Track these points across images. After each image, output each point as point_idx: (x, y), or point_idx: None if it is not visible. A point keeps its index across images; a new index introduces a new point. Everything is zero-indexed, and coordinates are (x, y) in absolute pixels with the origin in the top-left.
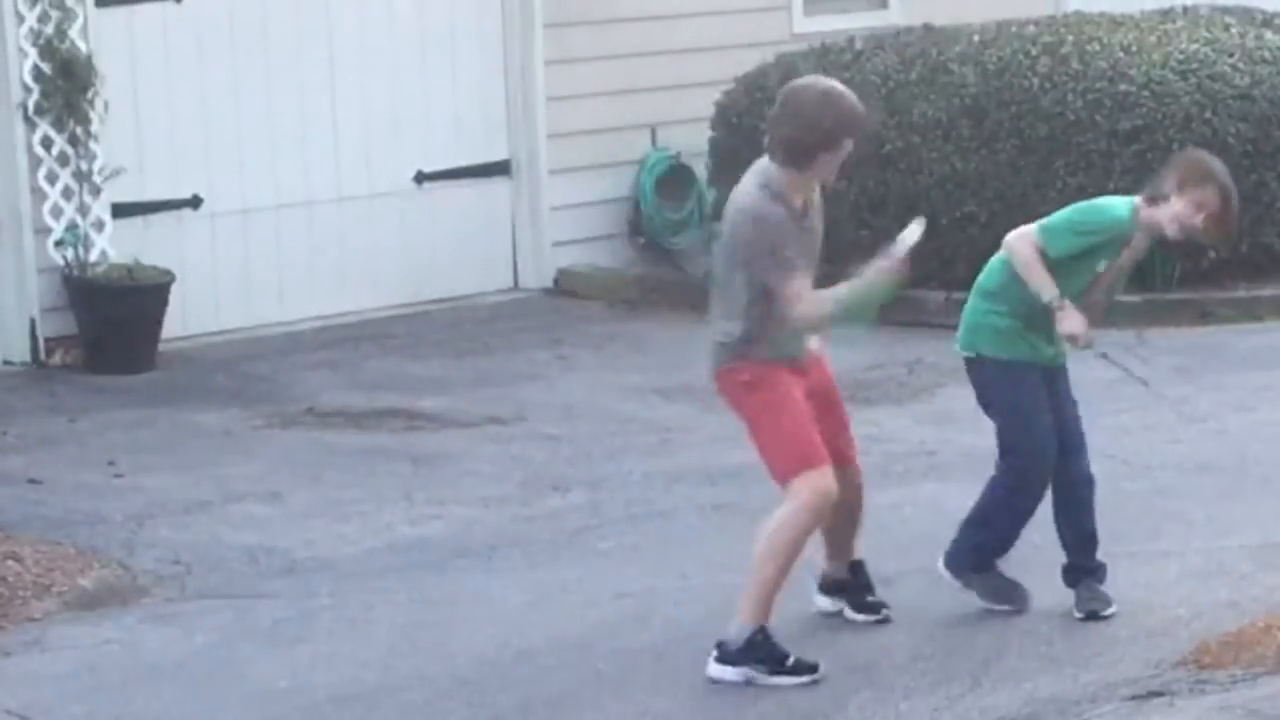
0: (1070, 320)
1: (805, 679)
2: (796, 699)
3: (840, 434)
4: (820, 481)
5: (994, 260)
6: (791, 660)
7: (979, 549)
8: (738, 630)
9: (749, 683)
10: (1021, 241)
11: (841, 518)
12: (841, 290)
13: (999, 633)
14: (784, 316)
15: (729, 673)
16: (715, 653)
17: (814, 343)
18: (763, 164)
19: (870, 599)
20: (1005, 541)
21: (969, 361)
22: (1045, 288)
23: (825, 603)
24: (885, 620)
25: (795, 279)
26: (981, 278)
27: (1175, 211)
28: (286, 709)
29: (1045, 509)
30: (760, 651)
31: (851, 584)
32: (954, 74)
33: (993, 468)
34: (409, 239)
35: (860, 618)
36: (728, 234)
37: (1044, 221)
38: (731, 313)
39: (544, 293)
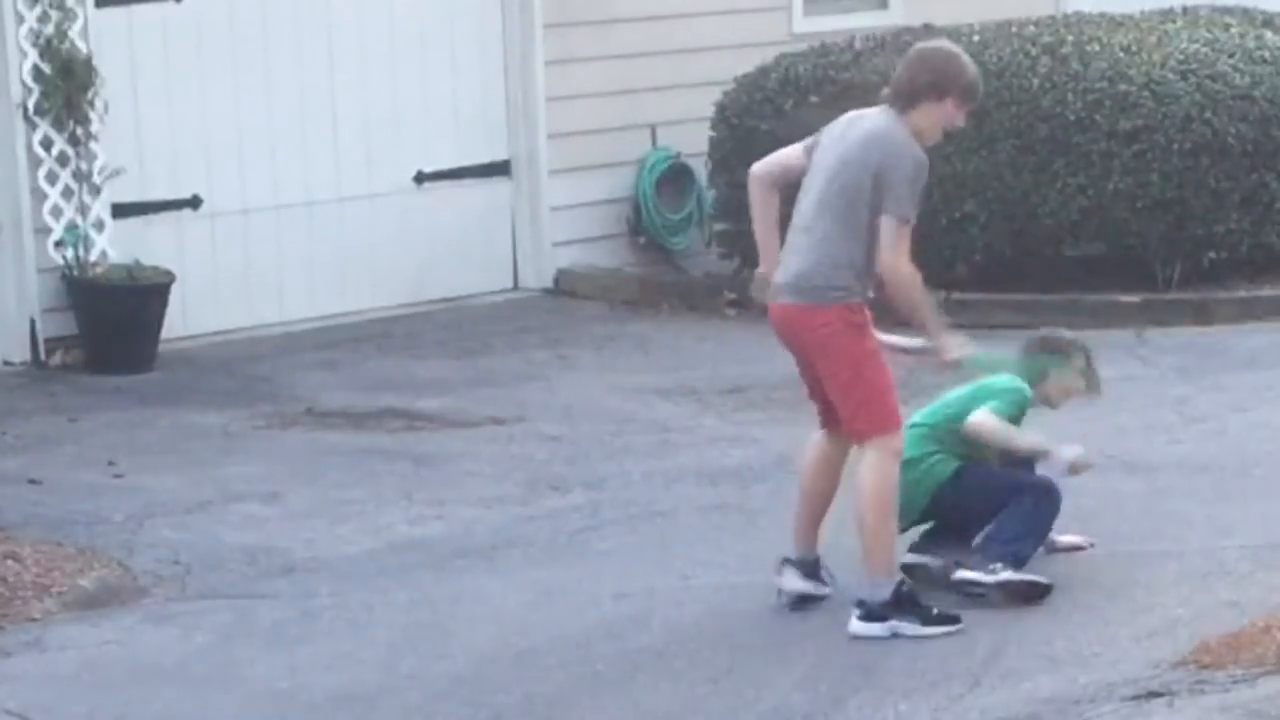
0: (1076, 453)
1: (952, 628)
2: (797, 699)
3: None
4: (900, 441)
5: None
6: (936, 612)
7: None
8: (874, 587)
9: (894, 635)
10: (990, 421)
11: (825, 483)
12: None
13: (999, 633)
14: (888, 261)
15: (874, 629)
16: (857, 611)
17: None
18: (889, 115)
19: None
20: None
21: (942, 491)
22: (1038, 443)
23: (807, 586)
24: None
25: (906, 238)
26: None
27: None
28: (286, 709)
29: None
30: (906, 603)
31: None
32: None
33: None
34: (409, 239)
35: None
36: (873, 164)
37: (993, 405)
38: (846, 249)
39: (544, 293)
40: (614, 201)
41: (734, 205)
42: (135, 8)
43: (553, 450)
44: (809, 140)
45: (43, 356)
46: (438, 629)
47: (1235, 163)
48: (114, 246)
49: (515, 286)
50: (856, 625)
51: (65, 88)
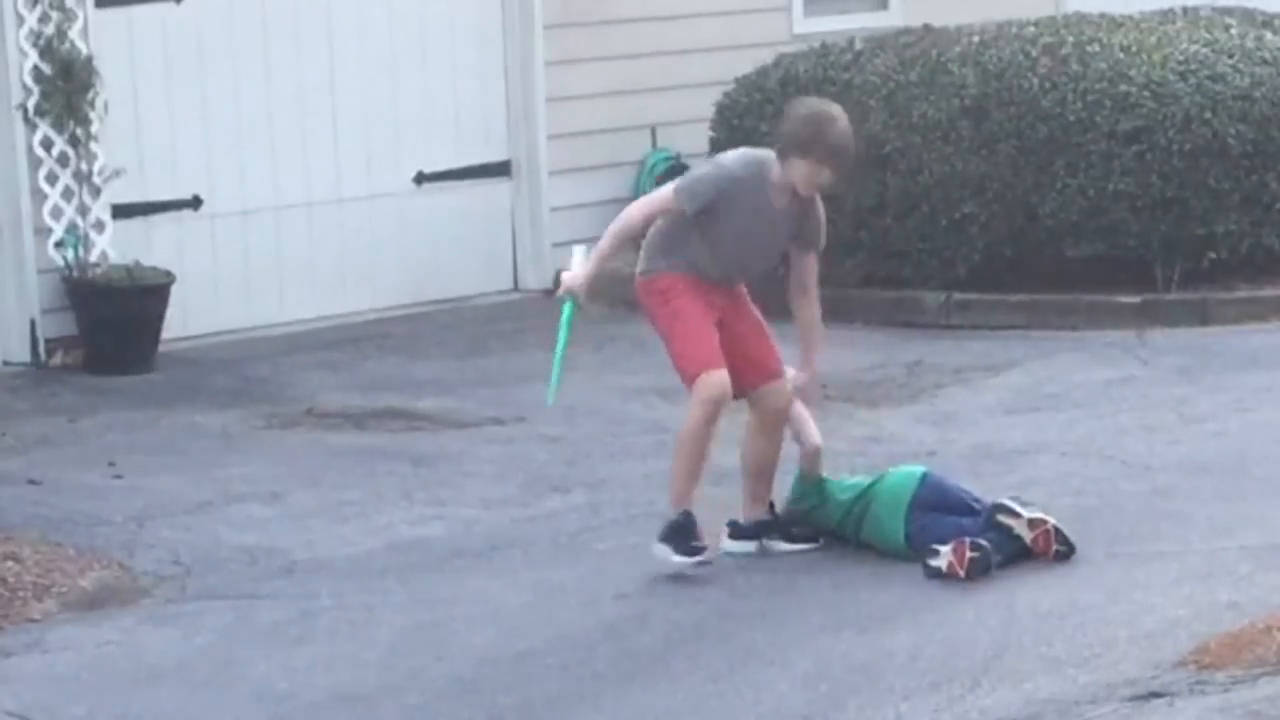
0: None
1: (692, 559)
2: (797, 699)
3: (762, 351)
4: (712, 377)
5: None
6: (694, 544)
7: None
8: (666, 514)
9: (665, 559)
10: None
11: (763, 447)
12: (600, 255)
13: (999, 633)
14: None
15: (658, 549)
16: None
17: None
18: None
19: (797, 530)
20: None
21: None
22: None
23: (736, 546)
24: (819, 545)
25: (659, 203)
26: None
27: None
28: (286, 709)
29: None
30: (672, 532)
31: (773, 522)
32: (954, 75)
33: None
34: (409, 239)
35: (795, 547)
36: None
37: None
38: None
39: (544, 293)
40: (614, 202)
41: None
42: (135, 8)
43: (553, 451)
44: None
45: (43, 357)
46: (437, 629)
47: (1235, 163)
48: (114, 247)
49: (515, 287)
50: (654, 547)
51: (65, 88)
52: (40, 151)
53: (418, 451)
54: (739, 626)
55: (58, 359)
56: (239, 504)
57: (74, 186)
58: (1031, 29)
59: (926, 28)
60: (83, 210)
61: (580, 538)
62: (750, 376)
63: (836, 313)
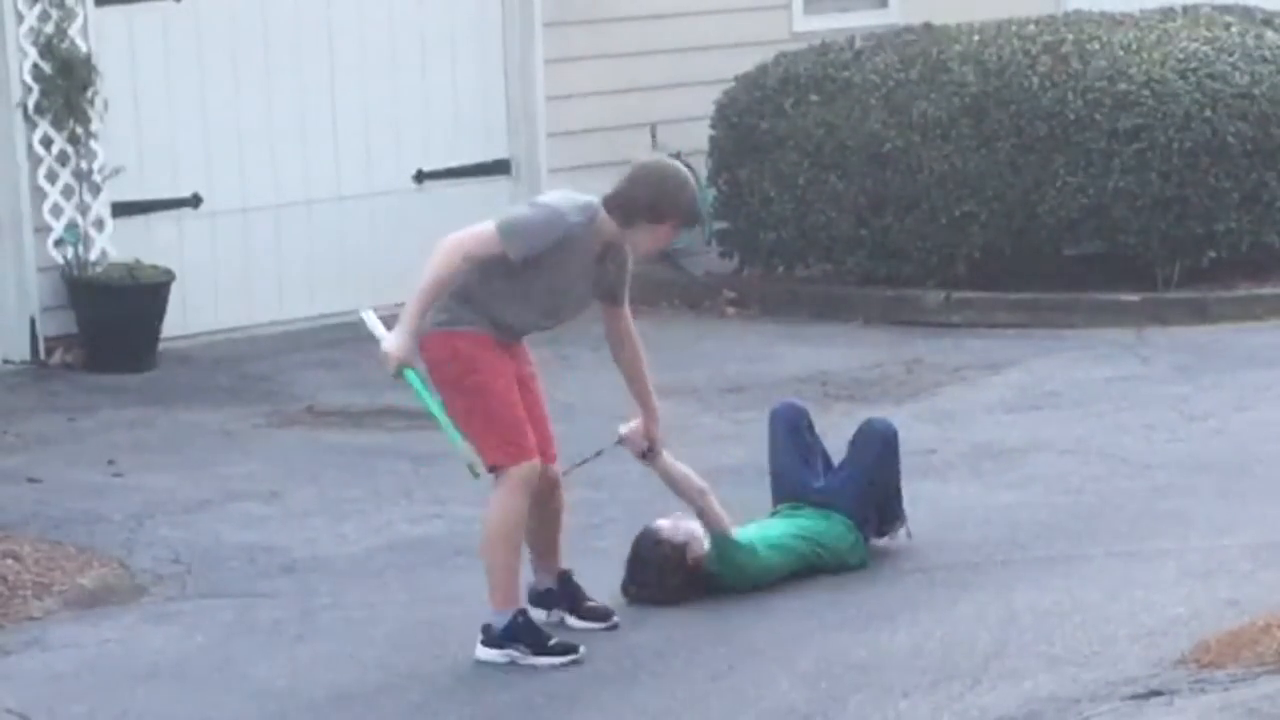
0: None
1: (566, 659)
2: (797, 697)
3: (542, 436)
4: (531, 465)
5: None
6: (553, 642)
7: None
8: (495, 617)
9: (512, 663)
10: None
11: (538, 518)
12: (417, 310)
13: (999, 631)
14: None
15: (494, 654)
16: (481, 636)
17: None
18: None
19: (591, 604)
20: None
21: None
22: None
23: (539, 615)
24: (615, 626)
25: (480, 246)
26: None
27: None
28: (286, 709)
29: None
30: (521, 633)
31: (563, 594)
32: (954, 73)
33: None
34: (409, 237)
35: (586, 625)
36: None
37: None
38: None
39: None
40: None
41: (734, 204)
42: (135, 6)
43: None
44: None
45: (42, 355)
46: (438, 627)
47: (1235, 162)
48: (114, 245)
49: None
50: (479, 650)
51: (65, 86)
52: (40, 150)
53: (418, 450)
54: (739, 624)
55: (57, 357)
56: (239, 502)
57: (74, 184)
58: (1031, 27)
59: (926, 26)
60: (83, 208)
61: (580, 537)
62: None
63: (836, 310)
